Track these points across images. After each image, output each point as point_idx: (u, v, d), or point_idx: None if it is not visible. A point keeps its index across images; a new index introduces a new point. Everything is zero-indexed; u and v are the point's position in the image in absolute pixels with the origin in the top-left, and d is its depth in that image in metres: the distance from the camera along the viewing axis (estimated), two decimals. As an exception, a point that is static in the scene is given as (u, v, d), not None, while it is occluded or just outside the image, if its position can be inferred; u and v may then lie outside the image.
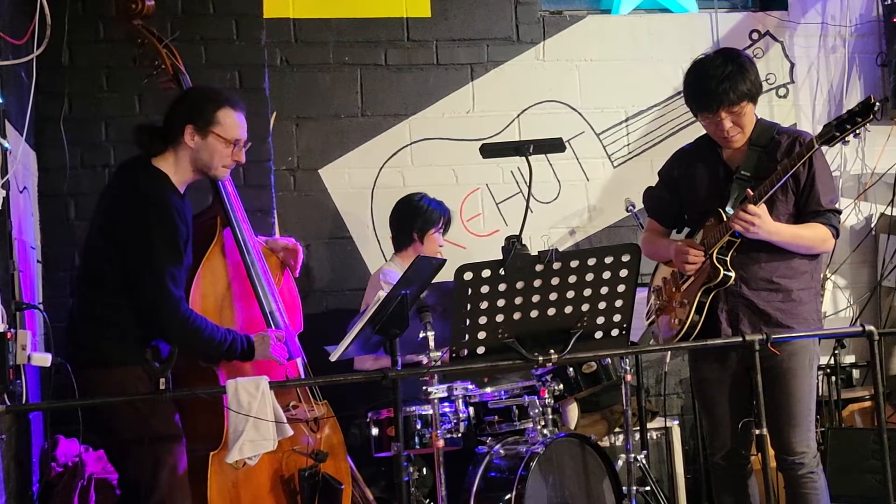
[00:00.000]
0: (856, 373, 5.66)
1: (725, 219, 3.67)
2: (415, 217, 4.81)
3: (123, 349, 3.39)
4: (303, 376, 3.89)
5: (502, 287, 3.01)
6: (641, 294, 3.75)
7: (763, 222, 3.56)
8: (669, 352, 4.03)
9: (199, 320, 3.45)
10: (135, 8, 3.84)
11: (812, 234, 3.68)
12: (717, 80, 3.63)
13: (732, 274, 3.68)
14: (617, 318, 3.15)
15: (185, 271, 3.49)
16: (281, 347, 3.61)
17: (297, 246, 3.97)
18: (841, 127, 3.47)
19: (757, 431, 3.21)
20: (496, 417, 4.33)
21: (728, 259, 3.69)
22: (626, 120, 5.61)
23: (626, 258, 3.09)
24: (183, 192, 3.57)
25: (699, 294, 3.74)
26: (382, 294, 3.53)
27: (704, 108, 3.71)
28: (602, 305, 3.12)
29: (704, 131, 3.84)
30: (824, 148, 3.61)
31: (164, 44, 3.90)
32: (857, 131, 3.49)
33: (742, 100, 3.65)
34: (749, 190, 3.60)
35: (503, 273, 3.00)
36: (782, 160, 3.62)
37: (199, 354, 3.49)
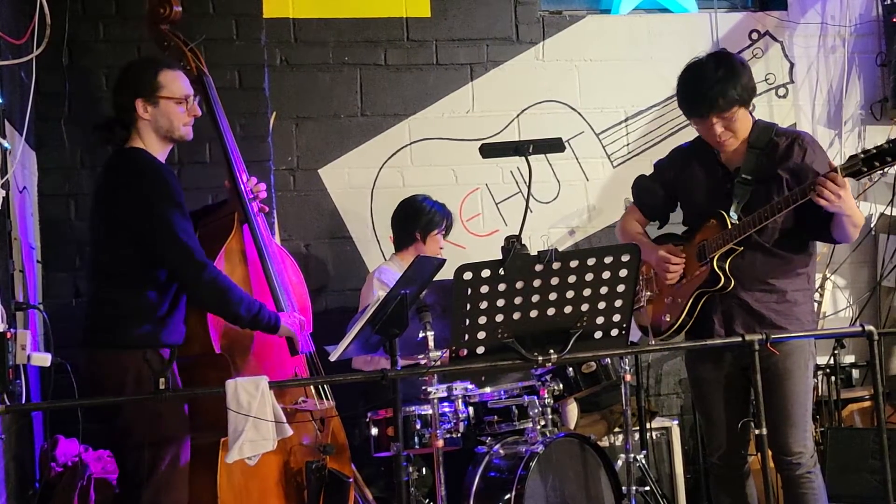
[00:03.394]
0: (855, 373, 5.66)
1: (730, 224, 3.66)
2: (418, 217, 4.82)
3: (139, 332, 3.42)
4: (308, 373, 3.93)
5: (502, 287, 3.01)
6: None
7: (847, 196, 3.47)
8: (653, 338, 4.01)
9: (227, 278, 3.50)
10: (162, 13, 4.00)
11: (860, 211, 3.62)
12: (707, 85, 3.61)
13: (732, 282, 3.68)
14: (616, 318, 3.15)
15: (191, 225, 3.52)
16: (305, 336, 3.69)
17: None
18: (869, 163, 3.39)
19: (756, 431, 3.20)
20: (496, 417, 4.32)
21: (727, 266, 3.68)
22: (626, 120, 5.61)
23: (625, 258, 3.09)
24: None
25: (694, 296, 3.74)
26: (382, 294, 3.53)
27: (695, 112, 3.71)
28: (602, 305, 3.12)
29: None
30: (824, 146, 3.58)
31: (190, 47, 4.01)
32: (885, 171, 3.41)
33: (732, 106, 3.63)
34: (831, 163, 3.52)
35: (503, 273, 3.00)
36: (782, 163, 3.63)
37: (229, 313, 3.51)
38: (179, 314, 3.54)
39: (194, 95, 3.64)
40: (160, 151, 3.59)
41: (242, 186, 3.88)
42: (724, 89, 3.60)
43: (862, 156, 3.42)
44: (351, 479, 3.82)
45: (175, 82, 3.58)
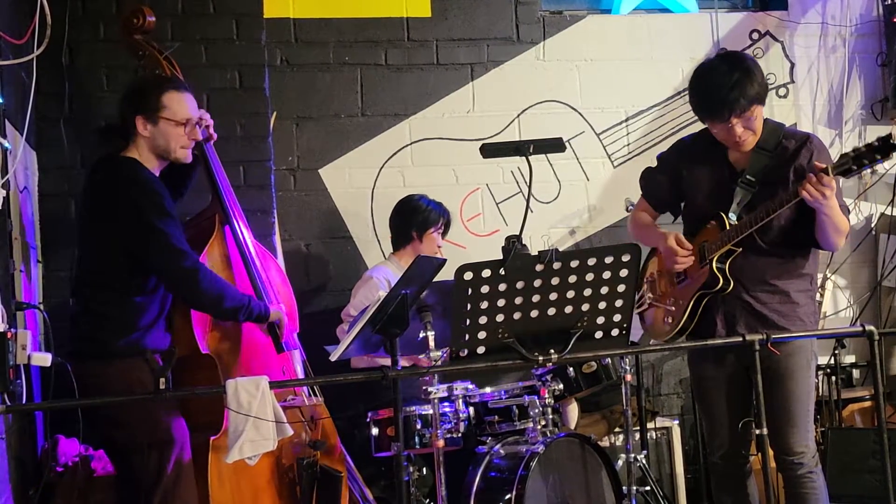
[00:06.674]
0: (856, 373, 5.66)
1: (728, 226, 3.65)
2: (414, 215, 4.82)
3: (124, 341, 3.44)
4: (299, 370, 3.92)
5: (502, 287, 3.01)
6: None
7: (831, 196, 3.48)
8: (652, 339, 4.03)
9: (215, 277, 3.57)
10: (136, 23, 4.08)
11: (845, 218, 3.64)
12: (726, 89, 3.58)
13: (731, 284, 3.67)
14: (617, 318, 3.15)
15: (182, 231, 3.56)
16: (290, 334, 3.76)
17: None
18: (858, 161, 3.39)
19: (757, 431, 3.20)
20: (496, 417, 4.32)
21: (726, 267, 3.68)
22: (626, 120, 5.61)
23: (626, 258, 3.09)
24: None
25: (695, 297, 3.74)
26: (382, 294, 3.53)
27: (716, 116, 3.66)
28: (602, 305, 3.12)
29: (703, 126, 3.82)
30: (826, 141, 3.56)
31: (164, 55, 4.07)
32: (874, 168, 3.42)
33: (752, 104, 3.61)
34: (818, 164, 3.51)
35: (503, 273, 3.00)
36: (789, 165, 3.63)
37: (221, 310, 3.58)
38: (163, 322, 3.59)
39: (197, 120, 3.66)
40: (155, 167, 3.62)
41: (222, 187, 3.90)
42: (743, 90, 3.57)
43: (852, 154, 3.42)
44: (342, 474, 3.82)
45: (179, 105, 3.61)
